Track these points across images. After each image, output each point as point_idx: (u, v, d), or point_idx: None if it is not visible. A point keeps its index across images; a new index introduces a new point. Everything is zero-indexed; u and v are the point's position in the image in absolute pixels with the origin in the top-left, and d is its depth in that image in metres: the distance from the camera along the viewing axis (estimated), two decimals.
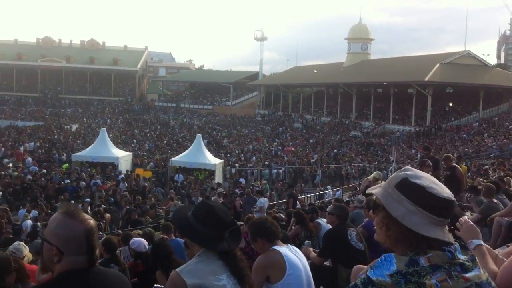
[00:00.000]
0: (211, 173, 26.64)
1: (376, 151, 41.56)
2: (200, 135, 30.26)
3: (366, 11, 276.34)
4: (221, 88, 79.24)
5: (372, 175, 12.28)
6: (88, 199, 18.06)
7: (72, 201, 17.57)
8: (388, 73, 52.75)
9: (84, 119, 62.06)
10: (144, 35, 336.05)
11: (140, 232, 9.92)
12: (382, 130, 49.75)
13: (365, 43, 68.05)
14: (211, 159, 27.53)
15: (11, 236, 12.38)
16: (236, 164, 31.89)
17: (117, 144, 32.37)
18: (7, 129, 43.97)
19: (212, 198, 18.41)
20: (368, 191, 2.10)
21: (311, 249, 6.24)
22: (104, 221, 14.85)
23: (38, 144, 34.25)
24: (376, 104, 54.27)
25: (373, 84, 53.26)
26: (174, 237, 8.18)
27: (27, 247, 6.39)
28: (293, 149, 41.51)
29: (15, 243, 6.41)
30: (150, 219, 16.07)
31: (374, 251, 5.41)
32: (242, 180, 26.72)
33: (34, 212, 15.79)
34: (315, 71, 68.39)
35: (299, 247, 5.29)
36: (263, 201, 16.41)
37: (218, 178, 26.86)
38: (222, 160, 29.71)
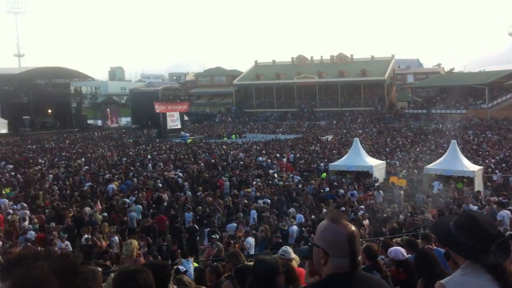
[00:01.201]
0: (470, 180, 25.01)
1: None
2: (455, 141, 28.64)
3: None
4: (475, 91, 73.64)
5: None
6: (343, 208, 18.71)
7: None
8: None
9: (338, 129, 64.41)
10: (391, 43, 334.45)
11: (398, 240, 9.87)
12: None
13: None
14: (469, 166, 25.84)
15: (280, 240, 13.56)
16: (497, 171, 29.25)
17: (370, 152, 32.78)
18: (271, 142, 48.30)
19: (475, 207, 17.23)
20: None
21: None
22: (363, 228, 15.21)
23: (298, 155, 36.83)
24: None
25: None
26: (435, 247, 7.94)
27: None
28: None
29: (283, 247, 7.02)
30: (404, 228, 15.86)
31: None
32: None
33: (300, 217, 17.05)
34: None
35: None
36: (504, 214, 14.71)
37: (478, 186, 25.03)
38: (481, 167, 27.60)
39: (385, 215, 17.51)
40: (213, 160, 34.10)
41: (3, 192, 23.28)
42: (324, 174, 28.31)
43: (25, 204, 20.43)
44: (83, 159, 35.96)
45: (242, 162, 33.39)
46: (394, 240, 10.42)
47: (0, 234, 16.23)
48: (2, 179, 26.86)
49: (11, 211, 19.34)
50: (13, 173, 29.14)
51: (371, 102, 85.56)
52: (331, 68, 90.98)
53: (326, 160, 33.46)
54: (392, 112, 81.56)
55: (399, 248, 7.36)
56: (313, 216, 17.36)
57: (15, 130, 61.32)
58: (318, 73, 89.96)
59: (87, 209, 19.52)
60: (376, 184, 23.98)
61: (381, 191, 22.54)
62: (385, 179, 26.44)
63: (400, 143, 46.15)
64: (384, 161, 30.75)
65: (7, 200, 21.32)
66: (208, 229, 16.20)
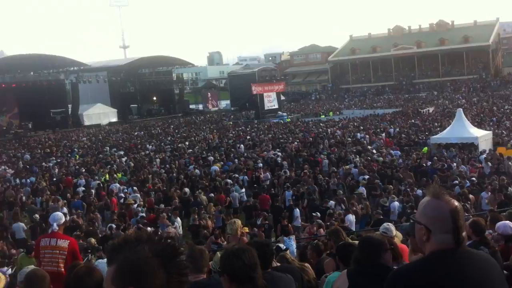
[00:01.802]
0: None
1: None
2: None
3: None
4: None
5: None
6: (448, 182, 18.02)
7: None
8: None
9: (439, 101, 61.71)
10: (494, 6, 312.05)
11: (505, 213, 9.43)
12: None
13: None
14: None
15: (381, 217, 13.43)
16: None
17: (474, 123, 31.19)
18: (369, 117, 47.37)
19: None
20: None
21: None
22: (469, 202, 14.63)
23: (397, 129, 35.87)
24: None
25: None
26: None
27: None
28: None
29: (385, 224, 6.99)
30: None
31: None
32: None
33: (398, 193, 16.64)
34: None
35: None
36: None
37: None
38: None
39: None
40: (311, 138, 34.15)
41: (116, 177, 24.96)
42: (426, 148, 27.38)
43: (135, 188, 21.83)
44: (187, 143, 37.49)
45: (339, 139, 33.15)
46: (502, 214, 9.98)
47: (114, 217, 17.50)
48: (114, 165, 28.74)
49: (122, 195, 20.77)
50: (124, 159, 31.07)
51: (475, 70, 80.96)
52: (431, 37, 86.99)
53: (427, 133, 32.33)
54: (499, 79, 76.66)
55: (508, 222, 7.06)
56: (415, 192, 16.90)
57: (124, 118, 65.02)
58: (417, 43, 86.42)
59: (186, 189, 20.44)
60: (483, 156, 22.81)
61: (489, 163, 21.44)
62: (492, 150, 25.06)
63: (508, 111, 43.40)
64: (491, 132, 29.15)
65: (118, 185, 22.87)
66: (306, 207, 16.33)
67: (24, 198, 22.20)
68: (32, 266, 6.34)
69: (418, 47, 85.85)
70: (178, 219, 16.43)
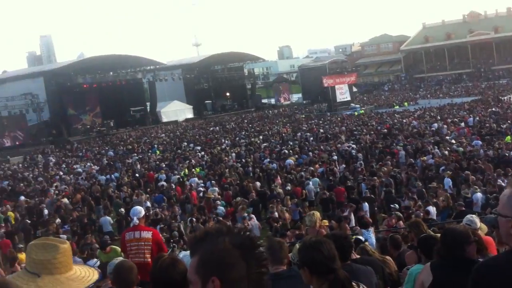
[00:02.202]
0: None
1: None
2: None
3: None
4: None
5: None
6: None
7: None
8: None
9: None
10: None
11: None
12: None
13: None
14: None
15: (463, 209, 13.11)
16: None
17: None
18: (446, 107, 45.85)
19: None
20: None
21: None
22: None
23: (477, 118, 34.52)
24: None
25: None
26: None
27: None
28: None
29: (468, 215, 6.89)
30: None
31: None
32: None
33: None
34: None
35: None
36: None
37: None
38: None
39: None
40: (385, 130, 33.57)
41: (194, 172, 25.77)
42: (509, 137, 26.20)
43: (213, 182, 22.47)
44: (261, 137, 37.95)
45: (416, 130, 32.36)
46: None
47: (194, 210, 18.12)
48: (192, 160, 29.65)
49: (201, 189, 21.43)
50: (201, 154, 31.96)
51: None
52: (509, 21, 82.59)
53: (509, 121, 30.91)
54: None
55: None
56: (498, 182, 16.29)
57: (199, 114, 66.53)
58: (494, 28, 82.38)
59: (257, 183, 20.74)
60: None
61: None
62: None
63: None
64: None
65: (197, 179, 23.61)
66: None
67: (110, 193, 23.42)
68: (121, 258, 6.75)
69: (495, 32, 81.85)
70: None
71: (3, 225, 19.59)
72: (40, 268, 2.23)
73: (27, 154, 44.06)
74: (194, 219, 15.99)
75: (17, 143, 49.04)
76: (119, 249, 9.67)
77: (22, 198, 23.85)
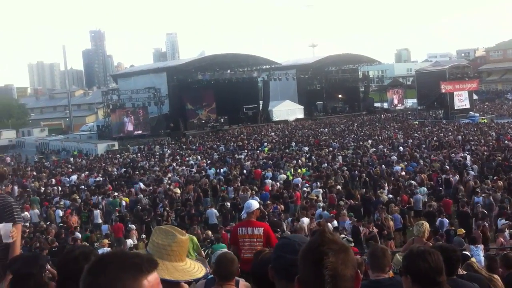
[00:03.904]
0: None
1: None
2: None
3: None
4: None
5: None
6: None
7: None
8: None
9: None
10: None
11: None
12: None
13: None
14: None
15: None
16: None
17: None
18: None
19: None
20: None
21: None
22: None
23: None
24: None
25: None
26: None
27: None
28: None
29: None
30: None
31: None
32: None
33: None
34: None
35: None
36: None
37: None
38: None
39: None
40: (506, 142, 31.46)
41: (300, 172, 25.95)
42: None
43: (318, 183, 22.48)
44: (370, 141, 37.26)
45: None
46: None
47: (297, 210, 18.29)
48: (299, 160, 29.85)
49: (305, 189, 21.56)
50: (308, 155, 32.06)
51: None
52: None
53: None
54: None
55: None
56: None
57: (310, 114, 66.71)
58: None
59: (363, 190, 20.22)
60: None
61: None
62: None
63: None
64: None
65: (300, 179, 23.77)
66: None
67: (218, 186, 24.31)
68: (225, 250, 7.04)
69: None
70: None
71: (118, 209, 21.21)
72: (155, 250, 2.47)
73: (146, 144, 47.02)
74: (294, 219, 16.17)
75: (135, 132, 52.55)
76: (195, 238, 10.31)
77: (138, 185, 25.55)
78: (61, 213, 20.59)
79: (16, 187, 27.54)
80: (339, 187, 21.85)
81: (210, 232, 15.13)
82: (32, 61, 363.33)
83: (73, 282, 2.28)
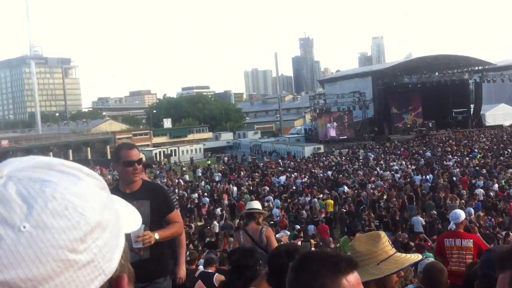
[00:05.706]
0: None
1: None
2: None
3: None
4: None
5: None
6: None
7: None
8: None
9: None
10: None
11: None
12: None
13: None
14: None
15: None
16: None
17: None
18: None
19: None
20: None
21: None
22: None
23: None
24: None
25: None
26: None
27: None
28: None
29: None
30: None
31: None
32: None
33: None
34: None
35: None
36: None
37: None
38: None
39: None
40: None
41: None
42: None
43: None
44: None
45: None
46: None
47: None
48: None
49: None
50: None
51: None
52: None
53: None
54: None
55: None
56: None
57: None
58: None
59: None
60: None
61: None
62: None
63: None
64: None
65: None
66: None
67: (424, 193, 23.71)
68: (432, 259, 7.06)
69: None
70: None
71: (323, 210, 22.15)
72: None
73: (350, 148, 47.71)
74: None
75: (340, 137, 53.60)
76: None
77: (342, 188, 26.27)
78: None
79: (233, 186, 30.65)
80: None
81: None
82: (247, 68, 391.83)
83: (281, 274, 2.50)
